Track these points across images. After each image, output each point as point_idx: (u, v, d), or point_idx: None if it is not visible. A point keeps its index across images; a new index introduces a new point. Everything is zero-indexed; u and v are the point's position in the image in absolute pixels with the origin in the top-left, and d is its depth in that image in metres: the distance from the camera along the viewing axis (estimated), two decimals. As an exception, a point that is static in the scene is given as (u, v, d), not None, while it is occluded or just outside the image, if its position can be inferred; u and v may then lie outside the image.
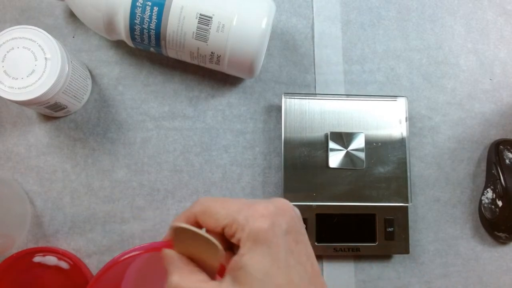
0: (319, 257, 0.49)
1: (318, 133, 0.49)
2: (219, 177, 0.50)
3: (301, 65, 0.52)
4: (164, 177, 0.49)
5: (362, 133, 0.49)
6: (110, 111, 0.50)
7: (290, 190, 0.48)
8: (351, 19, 0.54)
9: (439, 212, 0.51)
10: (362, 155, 0.48)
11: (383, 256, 0.50)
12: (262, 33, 0.43)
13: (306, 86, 0.52)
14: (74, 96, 0.46)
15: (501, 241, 0.51)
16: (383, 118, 0.50)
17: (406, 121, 0.50)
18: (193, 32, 0.43)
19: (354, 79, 0.53)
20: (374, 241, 0.48)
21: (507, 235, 0.50)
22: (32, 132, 0.49)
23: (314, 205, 0.48)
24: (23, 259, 0.46)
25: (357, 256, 0.49)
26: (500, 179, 0.49)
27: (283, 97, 0.49)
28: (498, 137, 0.53)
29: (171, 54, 0.46)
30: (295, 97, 0.49)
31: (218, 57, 0.44)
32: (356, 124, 0.49)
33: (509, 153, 0.50)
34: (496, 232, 0.50)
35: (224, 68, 0.46)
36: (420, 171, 0.52)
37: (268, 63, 0.52)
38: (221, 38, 0.43)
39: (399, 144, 0.49)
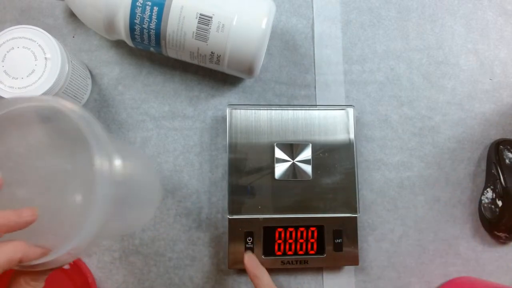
0: (268, 271, 0.47)
1: (265, 144, 0.47)
2: (219, 177, 0.50)
3: (301, 65, 0.52)
4: (164, 177, 0.49)
5: (309, 144, 0.48)
6: (110, 111, 0.50)
7: (236, 204, 0.46)
8: (351, 19, 0.54)
9: (439, 212, 0.51)
10: (308, 166, 0.47)
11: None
12: (262, 33, 0.43)
13: (306, 86, 0.52)
14: (74, 96, 0.46)
15: (501, 241, 0.51)
16: (331, 129, 0.48)
17: (353, 131, 0.48)
18: (193, 32, 0.43)
19: (354, 79, 0.53)
20: (323, 253, 0.47)
21: (507, 235, 0.50)
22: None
23: (261, 218, 0.47)
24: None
25: (307, 268, 0.48)
26: (500, 179, 0.49)
27: (227, 108, 0.48)
28: (498, 137, 0.53)
29: (171, 54, 0.46)
30: (241, 108, 0.48)
31: (218, 57, 0.44)
32: (303, 135, 0.48)
33: (509, 153, 0.50)
34: (496, 232, 0.50)
35: (224, 68, 0.46)
36: (420, 171, 0.52)
37: (268, 63, 0.52)
38: (221, 38, 0.43)
39: (347, 155, 0.48)
